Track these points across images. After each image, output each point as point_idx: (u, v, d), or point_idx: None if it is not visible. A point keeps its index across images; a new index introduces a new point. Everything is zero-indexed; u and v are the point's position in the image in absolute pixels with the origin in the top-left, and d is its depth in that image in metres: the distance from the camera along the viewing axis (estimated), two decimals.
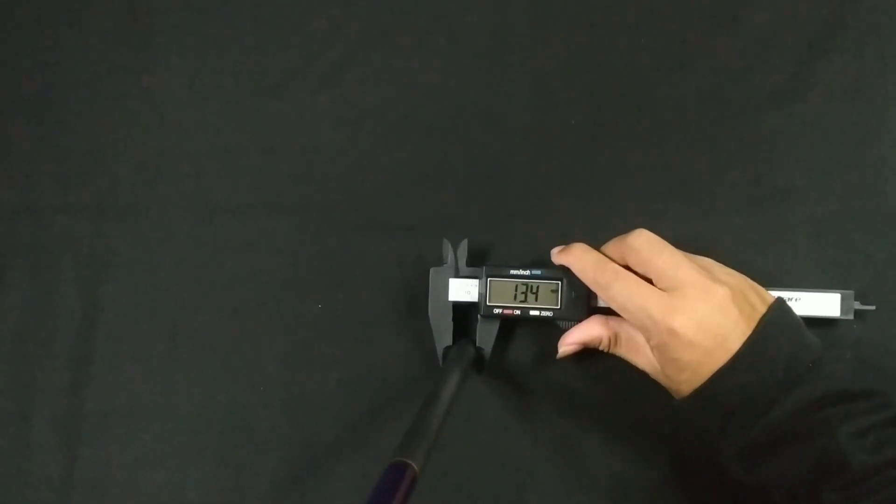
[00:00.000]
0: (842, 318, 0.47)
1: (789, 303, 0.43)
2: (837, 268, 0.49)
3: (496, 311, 0.48)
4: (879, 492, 0.36)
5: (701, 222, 0.51)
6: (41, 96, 0.56)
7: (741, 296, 0.41)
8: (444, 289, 0.49)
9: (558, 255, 0.47)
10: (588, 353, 0.48)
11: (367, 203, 0.53)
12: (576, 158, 0.52)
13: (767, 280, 0.43)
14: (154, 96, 0.55)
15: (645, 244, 0.43)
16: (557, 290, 0.47)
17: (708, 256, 0.44)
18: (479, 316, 0.48)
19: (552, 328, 0.48)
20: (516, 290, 0.47)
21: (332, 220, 0.53)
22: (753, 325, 0.40)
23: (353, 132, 0.54)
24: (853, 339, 0.49)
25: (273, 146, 0.54)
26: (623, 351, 0.46)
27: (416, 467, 0.34)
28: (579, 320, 0.47)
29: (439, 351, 0.49)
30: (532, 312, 0.47)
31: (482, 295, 0.48)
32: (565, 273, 0.47)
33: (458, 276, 0.49)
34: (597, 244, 0.46)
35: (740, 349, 0.39)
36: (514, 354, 0.51)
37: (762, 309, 0.40)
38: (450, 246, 0.49)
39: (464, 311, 0.50)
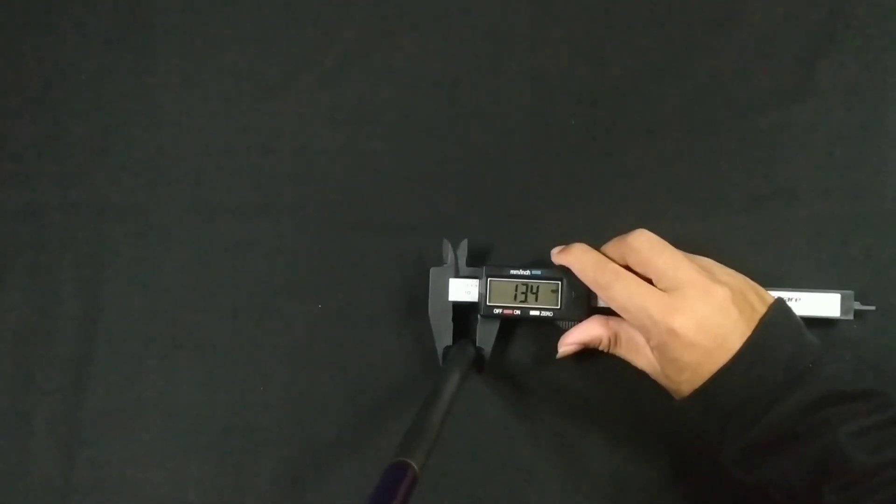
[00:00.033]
0: (842, 318, 0.47)
1: (789, 303, 0.43)
2: (837, 268, 0.49)
3: (496, 311, 0.48)
4: (880, 492, 0.36)
5: (701, 222, 0.51)
6: (41, 96, 0.56)
7: (741, 296, 0.41)
8: (444, 289, 0.49)
9: (558, 255, 0.47)
10: (588, 353, 0.48)
11: (367, 203, 0.53)
12: (576, 158, 0.52)
13: (767, 280, 0.43)
14: (154, 96, 0.55)
15: (645, 244, 0.43)
16: (557, 291, 0.47)
17: (708, 256, 0.44)
18: (479, 316, 0.48)
19: (552, 328, 0.48)
20: (516, 290, 0.47)
21: (332, 220, 0.53)
22: (753, 325, 0.40)
23: (353, 132, 0.54)
24: (853, 339, 0.49)
25: (273, 146, 0.54)
26: (623, 351, 0.46)
27: (416, 467, 0.34)
28: (579, 320, 0.47)
29: (439, 351, 0.49)
30: (532, 312, 0.47)
31: (482, 295, 0.48)
32: (565, 273, 0.47)
33: (458, 276, 0.49)
34: (597, 244, 0.46)
35: (740, 349, 0.39)
36: (514, 354, 0.52)
37: (762, 309, 0.40)
38: (450, 246, 0.49)
39: (464, 311, 0.50)
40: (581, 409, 0.51)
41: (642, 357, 0.45)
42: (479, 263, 0.49)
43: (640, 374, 0.45)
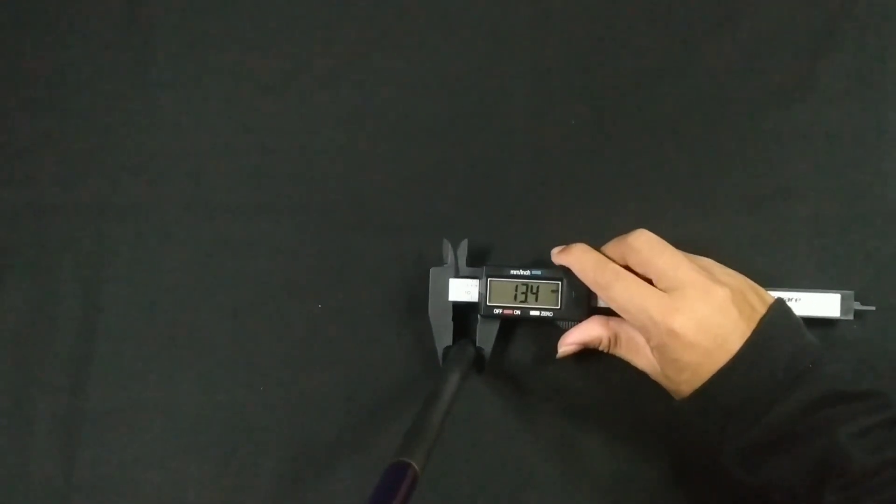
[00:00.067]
0: (842, 318, 0.47)
1: (789, 303, 0.43)
2: (837, 268, 0.49)
3: (496, 311, 0.48)
4: (880, 492, 0.36)
5: (701, 222, 0.51)
6: (41, 96, 0.56)
7: (741, 296, 0.41)
8: (444, 289, 0.49)
9: (558, 256, 0.47)
10: (588, 353, 0.48)
11: (367, 203, 0.53)
12: (576, 158, 0.52)
13: (767, 280, 0.43)
14: (154, 96, 0.55)
15: (645, 244, 0.43)
16: (557, 291, 0.47)
17: (708, 256, 0.44)
18: (479, 316, 0.48)
19: (552, 328, 0.48)
20: (516, 291, 0.47)
21: (332, 220, 0.53)
22: (753, 325, 0.40)
23: (353, 132, 0.54)
24: (853, 340, 0.49)
25: (273, 146, 0.54)
26: (623, 352, 0.46)
27: (416, 467, 0.34)
28: (579, 320, 0.47)
29: (439, 351, 0.49)
30: (532, 312, 0.47)
31: (482, 295, 0.48)
32: (565, 273, 0.47)
33: (458, 276, 0.49)
34: (597, 244, 0.46)
35: (740, 350, 0.39)
36: (514, 354, 0.52)
37: (762, 309, 0.40)
38: (450, 246, 0.49)
39: (464, 311, 0.50)
40: (581, 409, 0.51)
41: (642, 357, 0.45)
42: (479, 263, 0.49)
43: (640, 375, 0.45)
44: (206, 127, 0.55)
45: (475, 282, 0.48)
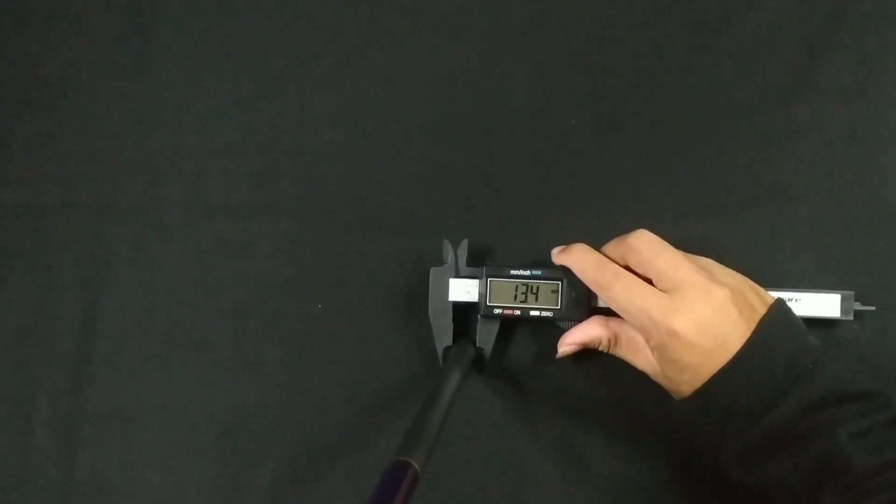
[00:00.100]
0: (842, 318, 0.47)
1: (789, 303, 0.43)
2: (837, 268, 0.49)
3: (496, 311, 0.48)
4: (880, 493, 0.36)
5: (701, 222, 0.51)
6: (41, 96, 0.56)
7: (741, 297, 0.41)
8: (444, 289, 0.49)
9: (558, 256, 0.47)
10: (588, 353, 0.48)
11: (367, 203, 0.53)
12: (576, 158, 0.52)
13: (767, 280, 0.43)
14: (154, 96, 0.55)
15: (645, 245, 0.43)
16: (558, 291, 0.47)
17: (708, 256, 0.44)
18: (479, 316, 0.48)
19: (552, 328, 0.48)
20: (516, 291, 0.47)
21: (332, 220, 0.53)
22: (753, 325, 0.40)
23: (353, 132, 0.54)
24: (853, 340, 0.49)
25: (273, 146, 0.54)
26: (623, 352, 0.46)
27: (417, 466, 0.34)
28: (579, 321, 0.47)
29: (439, 351, 0.49)
30: (532, 313, 0.47)
31: (482, 295, 0.48)
32: (565, 273, 0.47)
33: (458, 276, 0.49)
34: (597, 244, 0.46)
35: (740, 350, 0.39)
36: (514, 354, 0.52)
37: (762, 310, 0.40)
38: (450, 246, 0.49)
39: (464, 311, 0.50)
40: (581, 409, 0.51)
41: (642, 358, 0.45)
42: (479, 263, 0.49)
43: (640, 375, 0.45)
44: (206, 127, 0.55)
45: (475, 282, 0.48)
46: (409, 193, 0.53)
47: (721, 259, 0.44)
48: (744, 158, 0.51)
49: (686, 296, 0.40)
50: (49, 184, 0.55)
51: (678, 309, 0.40)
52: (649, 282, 0.42)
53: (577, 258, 0.45)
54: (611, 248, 0.45)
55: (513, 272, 0.48)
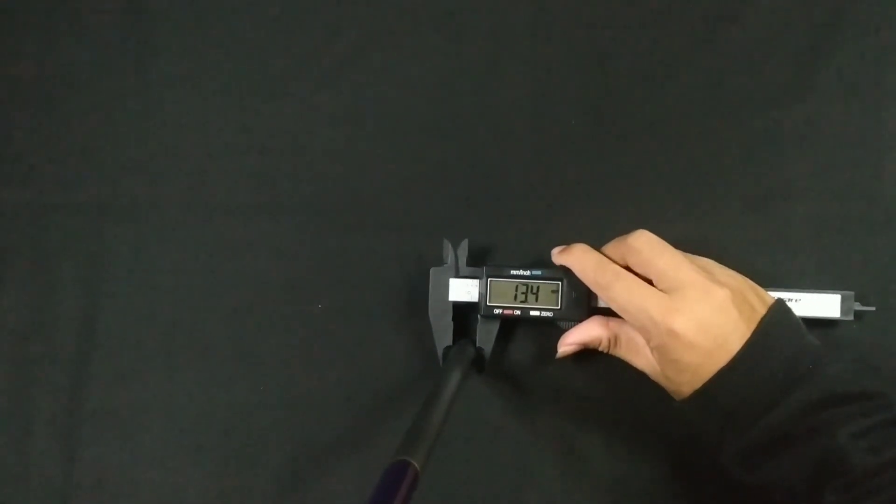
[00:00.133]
0: (842, 318, 0.47)
1: (789, 303, 0.43)
2: (837, 268, 0.49)
3: (496, 311, 0.48)
4: (880, 493, 0.36)
5: (701, 222, 0.51)
6: (41, 96, 0.56)
7: (741, 297, 0.41)
8: (444, 289, 0.49)
9: (559, 256, 0.47)
10: (588, 353, 0.48)
11: (367, 203, 0.53)
12: (576, 158, 0.52)
13: (767, 280, 0.43)
14: (154, 96, 0.55)
15: (645, 245, 0.43)
16: (558, 291, 0.47)
17: (708, 256, 0.44)
18: (479, 316, 0.48)
19: (552, 328, 0.48)
20: (516, 291, 0.47)
21: (332, 220, 0.53)
22: (753, 326, 0.40)
23: (353, 132, 0.54)
24: (853, 340, 0.49)
25: (273, 146, 0.54)
26: (623, 352, 0.46)
27: (417, 466, 0.34)
28: (579, 321, 0.47)
29: (439, 351, 0.49)
30: (532, 313, 0.47)
31: (482, 295, 0.48)
32: (565, 273, 0.47)
33: (458, 276, 0.49)
34: (597, 244, 0.46)
35: (740, 350, 0.39)
36: (514, 354, 0.52)
37: (762, 310, 0.40)
38: (450, 246, 0.49)
39: (464, 311, 0.50)
40: (581, 409, 0.51)
41: (642, 358, 0.45)
42: (479, 263, 0.49)
43: (640, 375, 0.45)
44: (206, 127, 0.55)
45: (475, 282, 0.48)
46: (409, 193, 0.53)
47: (721, 259, 0.44)
48: (744, 158, 0.51)
49: (686, 296, 0.40)
50: (49, 184, 0.55)
51: (678, 309, 0.40)
52: (649, 282, 0.42)
53: (577, 258, 0.45)
54: (611, 248, 0.45)
55: (513, 272, 0.48)
